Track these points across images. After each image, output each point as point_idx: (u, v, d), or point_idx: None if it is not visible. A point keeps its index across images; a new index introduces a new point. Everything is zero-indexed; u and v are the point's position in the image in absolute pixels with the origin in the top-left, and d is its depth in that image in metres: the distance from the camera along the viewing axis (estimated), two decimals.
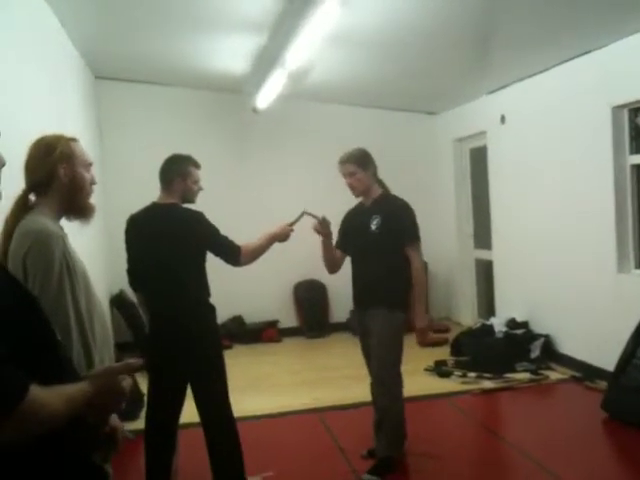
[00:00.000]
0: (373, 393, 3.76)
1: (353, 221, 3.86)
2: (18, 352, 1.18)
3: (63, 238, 2.03)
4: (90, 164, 2.22)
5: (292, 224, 3.50)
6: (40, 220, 2.01)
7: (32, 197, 2.10)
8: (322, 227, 3.64)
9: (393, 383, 3.63)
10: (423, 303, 3.65)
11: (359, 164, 3.68)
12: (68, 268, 1.98)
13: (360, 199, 3.84)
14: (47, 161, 2.07)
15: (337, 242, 3.89)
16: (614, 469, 3.84)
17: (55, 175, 2.07)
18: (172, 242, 3.24)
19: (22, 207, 2.06)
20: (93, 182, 2.21)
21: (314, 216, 3.61)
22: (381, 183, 3.85)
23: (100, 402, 1.33)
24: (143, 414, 3.45)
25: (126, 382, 1.41)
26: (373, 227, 3.65)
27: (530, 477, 3.64)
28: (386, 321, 3.57)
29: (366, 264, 3.72)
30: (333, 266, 3.87)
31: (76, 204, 2.14)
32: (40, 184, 2.08)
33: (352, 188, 3.73)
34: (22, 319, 1.26)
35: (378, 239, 3.63)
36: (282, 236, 3.47)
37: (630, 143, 5.04)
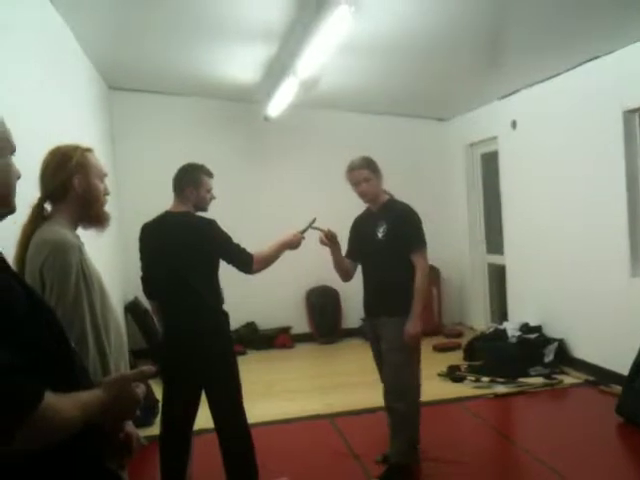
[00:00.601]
0: (386, 399, 3.76)
1: (361, 228, 3.86)
2: (33, 361, 1.20)
3: (80, 247, 2.06)
4: (105, 175, 2.25)
5: (303, 231, 3.52)
6: (57, 229, 2.05)
7: (48, 206, 2.14)
8: (328, 239, 3.65)
9: (408, 389, 3.63)
10: (420, 309, 3.60)
11: (372, 170, 3.70)
12: (85, 277, 2.01)
13: (368, 205, 3.85)
14: (62, 171, 2.11)
15: (347, 251, 3.89)
16: (629, 474, 3.82)
17: (70, 185, 2.11)
18: (185, 250, 3.28)
19: (38, 216, 2.09)
20: (107, 192, 2.25)
21: (320, 229, 3.62)
22: (385, 191, 3.85)
23: (115, 409, 1.34)
24: (158, 420, 3.49)
25: (140, 389, 1.42)
26: (380, 235, 3.66)
27: None
28: (397, 329, 3.56)
29: (374, 271, 3.73)
30: (345, 275, 3.88)
31: (91, 213, 2.17)
32: (55, 193, 2.12)
33: (364, 195, 3.72)
34: (37, 328, 1.28)
35: (385, 246, 3.64)
36: (293, 244, 3.49)
37: None
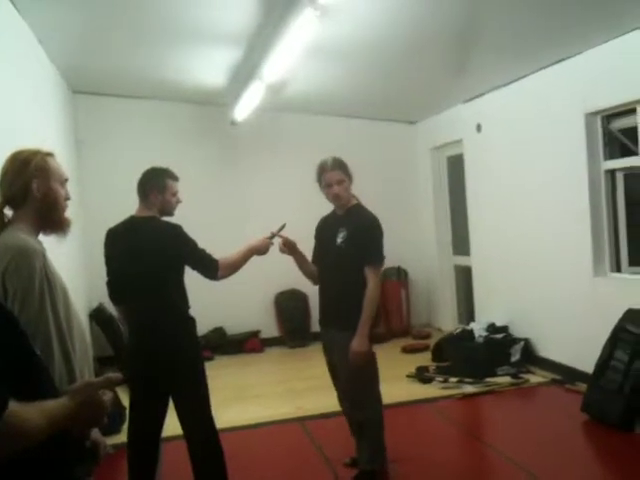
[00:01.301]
0: (343, 405, 3.75)
1: (323, 231, 3.73)
2: None
3: (42, 253, 2.03)
4: (65, 179, 2.20)
5: (271, 237, 3.50)
6: (18, 235, 2.01)
7: (9, 212, 2.10)
8: (287, 247, 3.55)
9: (365, 400, 3.56)
10: (367, 327, 3.42)
11: (344, 172, 3.57)
12: (49, 283, 1.97)
13: (334, 207, 3.71)
14: (22, 175, 2.07)
15: (313, 256, 3.77)
16: (595, 470, 3.90)
17: (29, 190, 2.07)
18: (150, 255, 3.24)
19: None
20: (67, 197, 2.20)
21: (280, 236, 3.54)
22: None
23: (81, 416, 1.32)
24: (125, 428, 3.44)
25: (107, 396, 1.41)
26: (339, 240, 3.51)
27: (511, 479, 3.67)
28: (347, 345, 3.41)
29: (329, 279, 3.60)
30: (313, 279, 3.77)
31: (51, 219, 2.13)
32: (15, 199, 2.08)
33: (337, 198, 3.57)
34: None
35: (342, 254, 3.49)
36: (261, 249, 3.46)
37: (604, 149, 5.13)
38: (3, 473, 1.18)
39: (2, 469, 1.17)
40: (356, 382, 3.50)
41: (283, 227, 3.52)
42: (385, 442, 3.63)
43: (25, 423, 1.16)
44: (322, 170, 3.57)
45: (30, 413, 1.19)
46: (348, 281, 3.48)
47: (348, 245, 3.48)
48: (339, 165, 3.57)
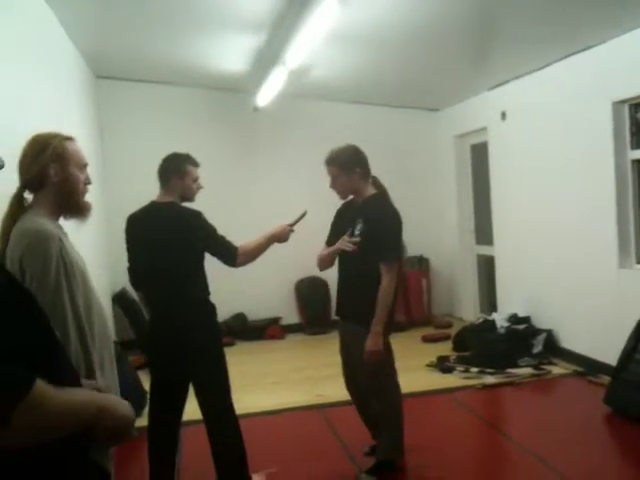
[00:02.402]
0: (352, 393, 3.74)
1: (343, 219, 3.67)
2: (19, 350, 1.16)
3: (60, 237, 2.03)
4: (85, 164, 2.20)
5: (292, 225, 3.46)
6: (36, 220, 2.02)
7: (28, 196, 2.11)
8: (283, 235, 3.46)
9: (383, 390, 3.56)
10: (381, 326, 3.36)
11: (342, 167, 3.48)
12: (65, 267, 1.98)
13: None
14: (39, 160, 2.07)
15: (328, 239, 3.71)
16: (616, 464, 3.84)
17: (47, 174, 2.07)
18: (170, 241, 3.25)
19: (18, 206, 2.06)
20: (87, 182, 2.20)
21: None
22: (376, 182, 3.63)
23: (104, 420, 1.28)
24: (146, 412, 3.47)
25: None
26: (356, 232, 3.45)
27: (532, 472, 3.64)
28: (361, 340, 3.38)
29: (347, 271, 3.56)
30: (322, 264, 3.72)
31: (70, 203, 2.13)
32: (33, 183, 2.08)
33: (337, 191, 3.58)
34: (22, 318, 1.24)
35: (360, 245, 3.40)
36: (282, 236, 3.43)
37: (631, 138, 5.04)
38: (15, 455, 1.16)
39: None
40: (373, 374, 3.49)
41: (304, 215, 3.45)
42: (403, 433, 3.61)
43: (53, 402, 1.14)
44: (325, 162, 3.58)
45: (65, 395, 1.17)
46: (364, 274, 3.43)
47: (364, 239, 3.41)
48: (333, 159, 3.53)
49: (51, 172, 2.07)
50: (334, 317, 3.88)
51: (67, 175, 2.11)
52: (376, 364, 3.40)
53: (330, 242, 3.69)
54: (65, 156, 2.11)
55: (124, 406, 1.33)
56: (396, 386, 3.62)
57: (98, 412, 1.25)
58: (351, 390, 3.76)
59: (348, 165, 3.49)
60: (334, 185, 3.55)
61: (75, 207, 2.15)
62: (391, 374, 3.60)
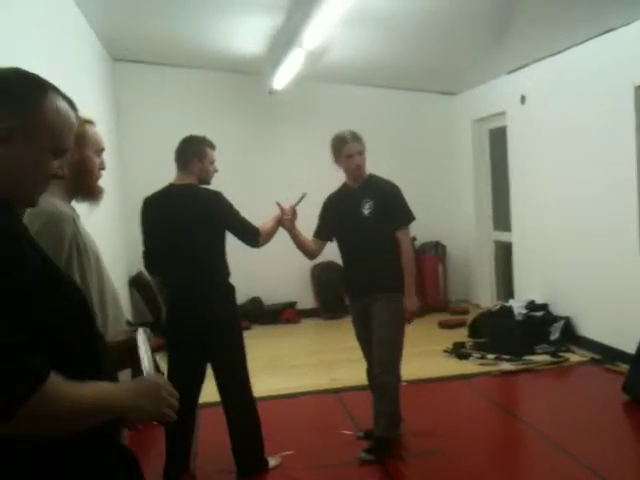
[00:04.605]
0: (371, 378, 3.78)
1: (341, 205, 3.77)
2: (47, 340, 1.13)
3: (74, 219, 2.02)
4: (101, 149, 2.19)
5: (294, 206, 3.53)
6: (51, 201, 2.01)
7: None
8: (291, 216, 3.54)
9: (396, 364, 3.64)
10: (414, 286, 3.64)
11: (363, 144, 3.67)
12: (78, 249, 1.97)
13: (345, 182, 3.78)
14: None
15: (317, 230, 3.84)
16: (634, 451, 3.81)
17: None
18: (191, 222, 3.25)
19: None
20: (102, 167, 2.19)
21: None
22: None
23: (142, 407, 1.26)
24: None
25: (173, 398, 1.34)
26: (366, 212, 3.61)
27: (548, 459, 3.61)
28: (388, 306, 3.57)
29: (361, 250, 3.66)
30: (310, 254, 3.85)
31: (83, 186, 2.12)
32: None
33: (358, 168, 3.65)
34: (56, 303, 1.20)
35: (372, 223, 3.59)
36: (283, 222, 3.52)
37: None
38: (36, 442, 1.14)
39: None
40: (393, 344, 3.59)
41: (304, 197, 3.48)
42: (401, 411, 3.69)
43: (71, 401, 1.12)
44: (342, 142, 3.64)
45: (78, 391, 1.14)
46: (381, 248, 3.61)
47: (377, 214, 3.58)
48: (358, 137, 3.67)
49: (67, 153, 2.06)
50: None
51: (83, 158, 2.09)
52: (395, 331, 3.57)
53: (320, 234, 3.82)
54: (84, 139, 2.09)
55: (152, 396, 1.28)
56: (400, 363, 3.70)
57: (119, 409, 1.23)
58: (370, 374, 3.78)
59: (364, 144, 3.69)
60: (360, 161, 3.64)
61: (88, 190, 2.14)
62: (402, 348, 3.68)
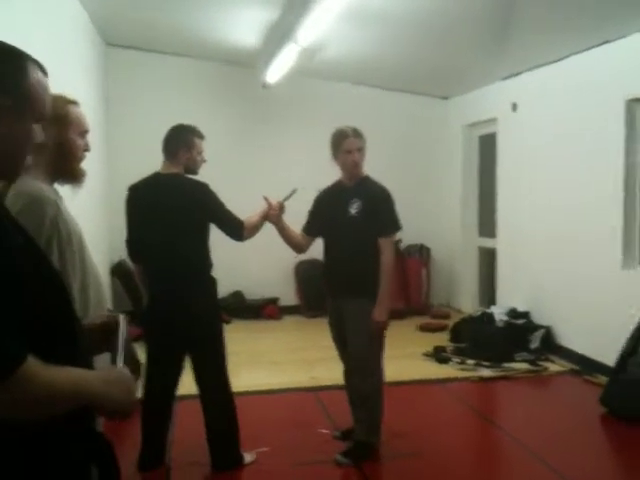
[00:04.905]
0: (347, 379, 3.74)
1: (329, 203, 3.70)
2: (28, 323, 1.11)
3: (56, 202, 1.98)
4: (85, 131, 2.15)
5: (283, 201, 3.49)
6: (32, 183, 1.97)
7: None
8: (277, 211, 3.49)
9: (373, 370, 3.56)
10: (387, 296, 3.48)
11: (364, 142, 3.58)
12: (59, 232, 1.93)
13: (340, 178, 3.70)
14: None
15: (305, 225, 3.78)
16: (609, 463, 3.83)
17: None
18: (176, 212, 3.21)
19: None
20: (86, 149, 2.15)
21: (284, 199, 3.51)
22: None
23: (111, 396, 1.25)
24: (140, 384, 3.44)
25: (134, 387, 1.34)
26: (353, 211, 3.51)
27: (523, 466, 3.62)
28: (363, 311, 3.46)
29: (342, 250, 3.58)
30: (298, 248, 3.79)
31: (64, 168, 2.08)
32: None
33: (356, 165, 3.55)
34: (37, 284, 1.18)
35: (357, 224, 3.51)
36: (271, 217, 3.48)
37: None
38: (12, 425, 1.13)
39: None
40: (367, 351, 3.51)
41: (294, 192, 3.44)
42: (383, 417, 3.63)
43: (46, 385, 1.10)
44: (342, 137, 3.56)
45: (55, 375, 1.12)
46: (362, 251, 3.52)
47: (363, 216, 3.50)
48: (360, 134, 3.59)
49: (49, 133, 2.02)
50: None
51: (65, 139, 2.05)
52: (370, 338, 3.47)
53: (308, 229, 3.77)
54: (65, 119, 2.05)
55: (122, 387, 1.28)
56: (382, 369, 3.63)
57: (92, 396, 1.21)
58: (347, 374, 3.75)
59: (365, 142, 3.60)
60: (358, 158, 3.56)
61: (70, 172, 2.10)
62: (381, 356, 3.61)
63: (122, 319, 1.53)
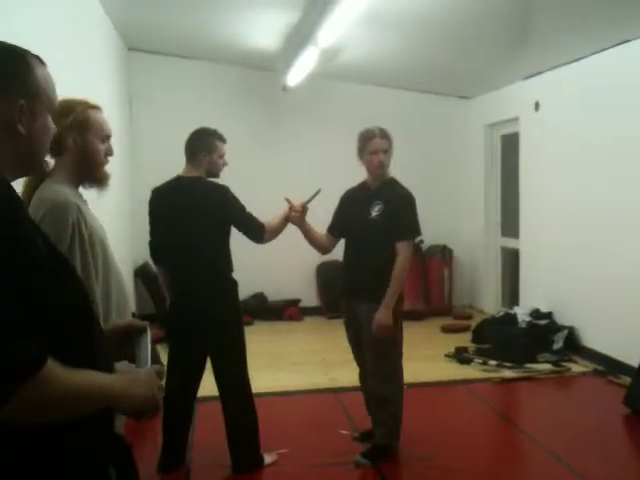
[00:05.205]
0: (362, 381, 3.74)
1: (353, 203, 3.67)
2: (47, 324, 1.12)
3: (79, 206, 2.01)
4: (107, 135, 2.17)
5: (307, 202, 3.49)
6: (55, 187, 2.01)
7: (51, 161, 2.09)
8: (300, 213, 3.47)
9: (390, 373, 3.52)
10: (393, 299, 3.40)
11: (391, 143, 3.54)
12: (81, 237, 1.96)
13: (365, 179, 3.67)
14: (59, 124, 2.04)
15: (330, 225, 3.75)
16: (633, 465, 3.78)
17: (64, 140, 2.05)
18: (197, 215, 3.25)
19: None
20: (109, 153, 2.17)
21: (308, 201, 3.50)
22: None
23: (132, 399, 1.25)
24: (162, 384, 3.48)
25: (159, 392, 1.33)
26: (374, 213, 3.47)
27: (546, 469, 3.59)
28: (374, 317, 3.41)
29: (360, 251, 3.55)
30: (323, 249, 3.76)
31: (87, 172, 2.11)
32: (52, 147, 2.06)
33: (381, 166, 3.51)
34: (58, 289, 1.19)
35: (377, 227, 3.46)
36: (293, 219, 3.48)
37: None
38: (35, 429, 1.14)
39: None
40: (383, 356, 3.48)
41: (318, 193, 3.42)
42: (402, 419, 3.60)
43: (68, 388, 1.11)
44: (369, 137, 3.53)
45: (76, 378, 1.13)
46: (382, 255, 3.46)
47: (384, 218, 3.46)
48: (386, 134, 3.55)
49: (69, 139, 2.05)
50: None
51: (85, 144, 2.08)
52: (386, 340, 3.41)
53: (332, 230, 3.74)
54: (86, 124, 2.08)
55: (146, 386, 1.28)
56: (401, 371, 3.61)
57: (113, 398, 1.22)
58: (363, 377, 3.74)
59: (392, 143, 3.55)
60: (384, 159, 3.52)
61: (93, 177, 2.13)
62: (399, 359, 3.59)
63: (147, 326, 1.55)
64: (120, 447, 1.37)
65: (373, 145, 3.50)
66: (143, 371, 1.36)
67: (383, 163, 3.52)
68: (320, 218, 3.77)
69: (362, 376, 3.75)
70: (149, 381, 1.30)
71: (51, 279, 1.18)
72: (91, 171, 2.12)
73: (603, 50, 5.28)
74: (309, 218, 3.57)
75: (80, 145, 2.07)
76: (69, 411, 1.14)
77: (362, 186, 3.69)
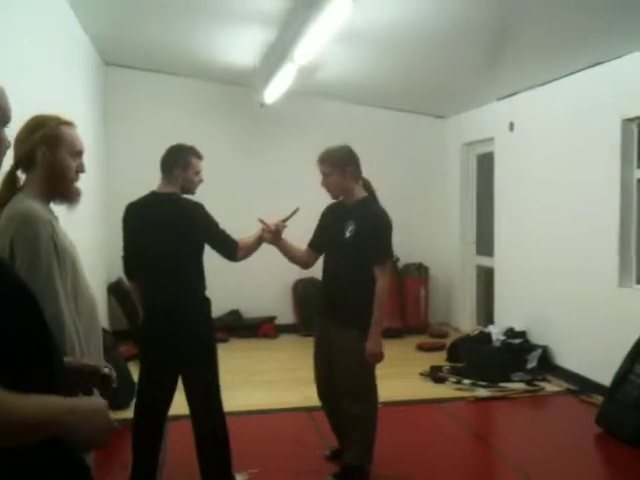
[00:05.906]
0: (323, 399, 3.72)
1: (331, 220, 3.64)
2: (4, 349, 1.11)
3: (51, 221, 1.99)
4: (79, 152, 2.14)
5: (285, 220, 3.48)
6: (26, 202, 1.98)
7: (22, 175, 2.07)
8: (273, 233, 3.45)
9: (364, 392, 3.49)
10: (380, 327, 3.38)
11: (335, 166, 3.45)
12: (56, 252, 1.94)
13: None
14: (29, 140, 2.03)
15: (312, 240, 3.71)
16: None
17: (34, 156, 2.03)
18: (170, 232, 3.22)
19: (10, 185, 2.03)
20: (80, 170, 2.15)
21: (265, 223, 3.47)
22: (367, 185, 3.59)
23: (83, 427, 1.21)
24: (133, 404, 3.43)
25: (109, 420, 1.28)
26: (347, 234, 3.41)
27: None
28: (354, 344, 3.37)
29: (335, 271, 3.51)
30: (302, 264, 3.74)
31: (57, 188, 2.09)
32: (23, 162, 2.05)
33: (328, 190, 3.54)
34: (12, 314, 1.17)
35: (350, 248, 3.41)
36: (268, 239, 3.46)
37: (638, 157, 4.99)
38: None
39: None
40: (358, 376, 3.45)
41: (296, 212, 3.42)
42: (375, 440, 3.56)
43: (14, 414, 1.07)
44: (317, 162, 3.54)
45: (22, 404, 1.09)
46: (354, 276, 3.42)
47: (356, 240, 3.40)
48: (325, 158, 3.51)
49: (39, 154, 2.03)
50: None
51: (55, 159, 2.06)
52: (359, 361, 3.38)
53: (314, 244, 3.70)
54: (57, 140, 2.06)
55: (93, 418, 1.23)
56: (376, 389, 3.58)
57: (62, 426, 1.17)
58: (328, 396, 3.68)
59: (340, 164, 3.47)
60: (325, 184, 3.52)
61: (63, 192, 2.11)
62: (374, 377, 3.56)
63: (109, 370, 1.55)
64: (79, 473, 1.32)
65: (320, 170, 3.52)
66: (92, 400, 1.34)
67: (326, 188, 3.53)
68: (299, 233, 3.75)
69: (323, 394, 3.71)
70: (97, 412, 1.26)
71: (9, 305, 1.15)
72: (61, 187, 2.09)
73: (577, 71, 5.37)
74: (288, 233, 3.54)
75: (50, 160, 2.04)
76: (17, 438, 1.10)
77: (340, 203, 3.65)
